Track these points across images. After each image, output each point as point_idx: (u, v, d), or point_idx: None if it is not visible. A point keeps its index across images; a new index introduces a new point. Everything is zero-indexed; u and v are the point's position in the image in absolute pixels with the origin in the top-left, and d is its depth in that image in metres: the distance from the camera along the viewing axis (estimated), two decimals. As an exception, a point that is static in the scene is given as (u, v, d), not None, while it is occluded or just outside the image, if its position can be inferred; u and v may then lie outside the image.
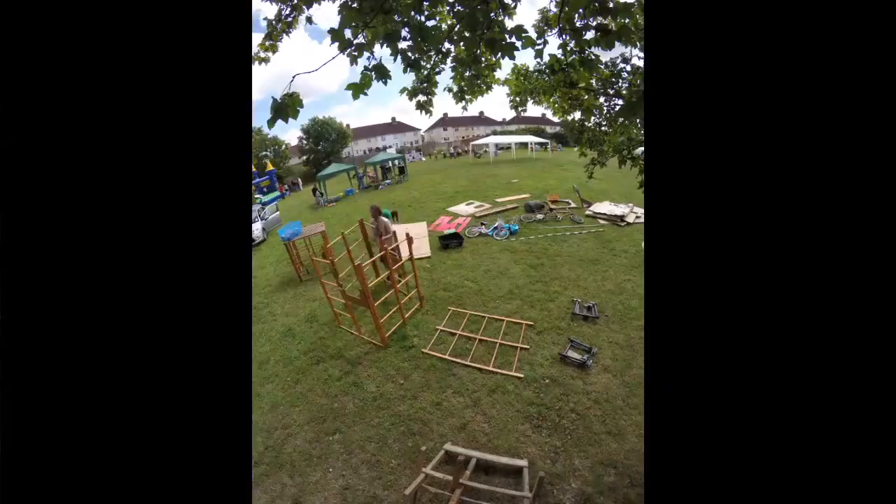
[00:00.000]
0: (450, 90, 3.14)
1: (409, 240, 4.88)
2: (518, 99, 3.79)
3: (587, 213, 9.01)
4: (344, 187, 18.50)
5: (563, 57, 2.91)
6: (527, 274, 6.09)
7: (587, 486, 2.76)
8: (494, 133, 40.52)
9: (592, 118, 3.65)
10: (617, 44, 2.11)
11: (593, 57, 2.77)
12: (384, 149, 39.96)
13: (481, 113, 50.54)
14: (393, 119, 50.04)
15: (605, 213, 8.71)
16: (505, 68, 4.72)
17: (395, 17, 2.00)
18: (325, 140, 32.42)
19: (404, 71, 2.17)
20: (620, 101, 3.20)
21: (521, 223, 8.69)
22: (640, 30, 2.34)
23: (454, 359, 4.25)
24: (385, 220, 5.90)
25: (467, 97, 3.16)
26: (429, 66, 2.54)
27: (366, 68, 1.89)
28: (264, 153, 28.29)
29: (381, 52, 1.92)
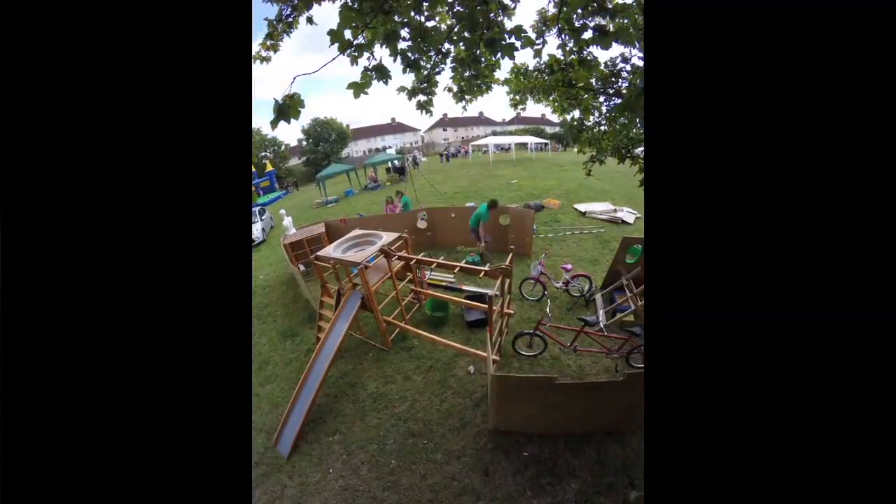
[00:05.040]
0: (450, 90, 3.15)
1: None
2: (517, 98, 3.80)
3: (585, 214, 9.06)
4: (344, 188, 18.51)
5: (562, 57, 2.92)
6: (526, 272, 6.08)
7: (587, 487, 2.77)
8: (494, 133, 40.49)
9: (591, 117, 3.66)
10: (615, 43, 2.11)
11: (592, 57, 2.78)
12: (384, 149, 39.93)
13: (481, 113, 50.48)
14: (393, 119, 50.03)
15: (598, 212, 8.82)
16: (505, 68, 4.73)
17: (395, 18, 2.01)
18: (325, 141, 32.38)
19: (404, 71, 2.18)
20: (619, 101, 3.21)
21: None
22: (639, 30, 2.35)
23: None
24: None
25: (467, 97, 3.17)
26: (429, 66, 2.54)
27: (366, 68, 1.90)
28: (264, 153, 28.24)
29: (381, 52, 1.93)
